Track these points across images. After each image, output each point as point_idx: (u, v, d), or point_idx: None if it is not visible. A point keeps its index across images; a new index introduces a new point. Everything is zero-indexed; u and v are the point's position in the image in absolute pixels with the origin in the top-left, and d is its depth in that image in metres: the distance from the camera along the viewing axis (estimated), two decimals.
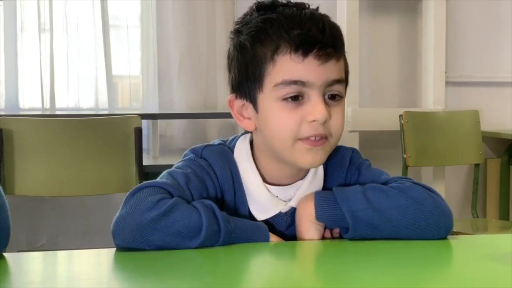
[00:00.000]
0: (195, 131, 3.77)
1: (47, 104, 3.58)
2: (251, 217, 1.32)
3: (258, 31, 1.27)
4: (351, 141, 3.60)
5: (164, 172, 1.31)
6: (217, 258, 1.17)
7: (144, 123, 3.12)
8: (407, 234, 1.26)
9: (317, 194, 1.29)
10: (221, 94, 3.77)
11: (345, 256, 1.22)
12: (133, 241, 1.17)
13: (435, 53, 3.89)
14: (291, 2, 1.31)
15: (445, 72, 3.97)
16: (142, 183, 1.23)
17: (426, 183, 3.87)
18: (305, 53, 1.24)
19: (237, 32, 1.32)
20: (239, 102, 1.33)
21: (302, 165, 1.29)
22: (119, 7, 3.76)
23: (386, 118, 3.67)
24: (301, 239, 1.29)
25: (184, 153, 1.38)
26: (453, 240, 1.29)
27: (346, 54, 1.33)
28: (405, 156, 3.32)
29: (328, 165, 1.37)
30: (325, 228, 1.29)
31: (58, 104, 3.62)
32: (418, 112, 3.57)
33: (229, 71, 1.34)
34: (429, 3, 3.91)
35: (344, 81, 1.30)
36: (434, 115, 3.59)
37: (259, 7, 1.30)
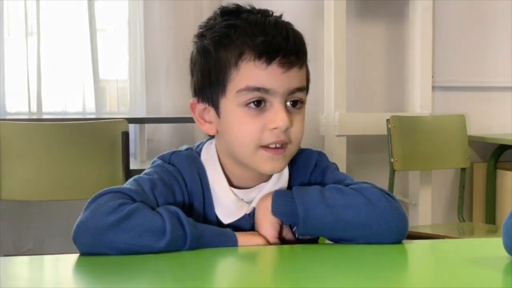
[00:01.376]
0: (183, 135, 3.77)
1: (34, 108, 3.57)
2: (218, 221, 1.32)
3: (222, 36, 1.28)
4: (338, 146, 3.61)
5: (131, 179, 1.31)
6: (184, 261, 1.16)
7: (132, 127, 3.12)
8: (358, 235, 1.26)
9: (276, 191, 1.31)
10: None
11: (309, 261, 1.21)
12: (93, 246, 1.17)
13: (422, 58, 3.91)
14: (255, 9, 1.32)
15: (432, 77, 3.99)
16: (104, 189, 1.23)
17: (413, 187, 3.94)
18: (269, 61, 1.25)
19: (200, 36, 1.34)
20: (201, 106, 1.34)
21: (263, 171, 1.30)
22: (107, 11, 3.76)
23: (373, 123, 3.68)
24: (259, 234, 1.29)
25: (153, 160, 1.38)
26: (433, 245, 1.29)
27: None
28: (392, 160, 3.33)
29: (293, 167, 1.38)
30: (281, 226, 1.30)
31: (45, 108, 3.60)
32: (405, 116, 3.58)
33: (192, 74, 1.35)
34: (416, 8, 3.93)
35: (305, 89, 1.31)
36: (421, 120, 3.60)
37: (223, 12, 1.32)
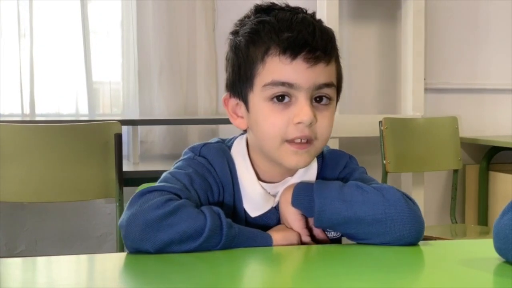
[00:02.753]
0: (176, 137, 3.77)
1: (27, 110, 3.56)
2: (245, 214, 1.34)
3: (251, 32, 1.31)
4: (331, 147, 3.61)
5: (166, 174, 1.32)
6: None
7: (125, 129, 3.12)
8: (372, 232, 1.27)
9: (298, 183, 1.33)
10: (202, 100, 3.78)
11: (318, 261, 1.23)
12: (140, 240, 1.17)
13: (414, 60, 3.92)
14: (288, 6, 1.35)
15: (424, 79, 4.00)
16: (149, 186, 1.24)
17: (406, 188, 3.95)
18: (294, 56, 1.27)
19: (234, 33, 1.36)
20: (233, 101, 1.37)
21: (287, 165, 1.32)
22: (100, 12, 3.75)
23: (366, 125, 3.69)
24: (284, 225, 1.32)
25: (183, 151, 1.40)
26: (425, 246, 1.30)
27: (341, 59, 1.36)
28: (384, 162, 3.34)
29: (323, 166, 1.41)
30: (307, 218, 1.31)
31: (38, 110, 3.60)
32: (398, 118, 3.59)
33: (226, 70, 1.38)
34: (408, 10, 3.94)
35: (334, 85, 1.33)
36: (413, 122, 3.61)
37: (257, 10, 1.35)
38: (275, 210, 1.35)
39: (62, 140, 2.45)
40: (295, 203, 1.30)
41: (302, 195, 1.30)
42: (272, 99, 1.28)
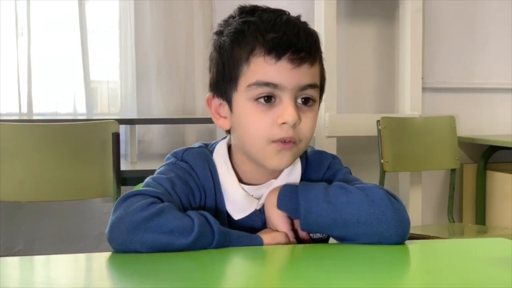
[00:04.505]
0: (173, 136, 3.77)
1: (25, 109, 3.56)
2: (228, 217, 1.35)
3: (236, 32, 1.31)
4: (328, 147, 3.61)
5: (148, 179, 1.33)
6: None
7: (122, 128, 3.11)
8: (358, 233, 1.27)
9: (283, 186, 1.33)
10: (200, 99, 3.78)
11: (307, 260, 1.23)
12: (128, 242, 1.18)
13: (411, 59, 3.92)
14: (271, 8, 1.35)
15: (422, 78, 4.00)
16: (130, 191, 1.25)
17: (403, 188, 3.95)
18: (278, 56, 1.27)
19: (219, 33, 1.36)
20: (216, 101, 1.37)
21: (270, 167, 1.32)
22: (97, 12, 3.75)
23: (364, 124, 3.69)
24: (270, 228, 1.32)
25: (166, 157, 1.41)
26: (411, 245, 1.30)
27: (324, 61, 1.35)
28: (382, 161, 3.34)
29: (307, 168, 1.41)
30: (293, 220, 1.32)
31: (36, 109, 3.59)
32: (395, 117, 3.59)
33: (209, 71, 1.38)
34: (406, 10, 3.94)
35: (317, 86, 1.33)
36: (411, 121, 3.62)
37: (241, 10, 1.35)
38: (260, 212, 1.35)
39: (60, 139, 2.45)
40: (280, 205, 1.30)
41: (287, 197, 1.30)
42: (256, 99, 1.29)
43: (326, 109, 3.65)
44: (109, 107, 3.81)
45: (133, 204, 1.20)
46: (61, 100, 3.67)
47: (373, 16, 4.10)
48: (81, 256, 1.26)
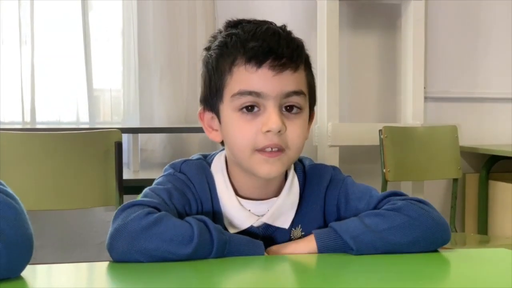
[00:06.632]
0: (176, 145, 3.78)
1: (28, 118, 3.57)
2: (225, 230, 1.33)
3: (220, 45, 1.33)
4: (331, 156, 3.61)
5: (146, 190, 1.33)
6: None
7: (125, 137, 3.12)
8: (409, 249, 1.28)
9: (315, 232, 1.31)
10: None
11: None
12: (128, 252, 1.18)
13: (414, 69, 3.92)
14: (256, 20, 1.35)
15: (424, 88, 4.01)
16: (128, 202, 1.25)
17: None
18: (259, 64, 1.28)
19: (207, 48, 1.38)
20: (208, 115, 1.38)
21: (260, 175, 1.31)
22: (101, 20, 3.77)
23: (366, 133, 3.69)
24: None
25: (164, 168, 1.41)
26: (413, 255, 1.30)
27: (314, 70, 1.37)
28: (384, 170, 3.34)
29: (306, 183, 1.41)
30: None
31: (39, 118, 3.60)
32: (398, 127, 3.60)
33: (201, 86, 1.40)
34: (408, 19, 3.95)
35: (303, 93, 1.32)
36: (413, 130, 3.62)
37: (227, 25, 1.37)
38: (256, 229, 1.35)
39: (63, 148, 2.45)
40: (322, 249, 1.28)
41: (327, 239, 1.28)
42: (241, 109, 1.29)
43: (329, 118, 3.65)
44: (112, 115, 3.82)
45: (131, 214, 1.20)
46: (64, 108, 3.68)
47: (376, 26, 4.11)
48: (83, 265, 1.26)
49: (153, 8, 3.71)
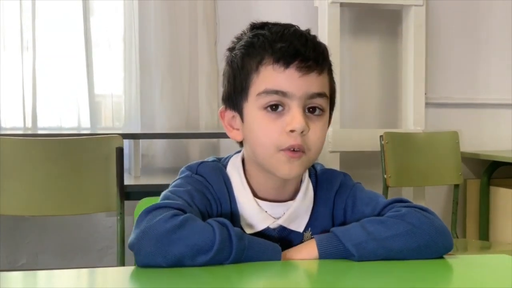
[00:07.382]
0: (177, 151, 3.78)
1: (29, 123, 3.57)
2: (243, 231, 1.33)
3: (247, 45, 1.35)
4: (332, 162, 3.62)
5: (166, 192, 1.33)
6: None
7: (126, 143, 3.12)
8: (411, 257, 1.28)
9: (316, 237, 1.31)
10: (203, 114, 3.78)
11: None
12: (153, 254, 1.17)
13: (415, 75, 3.93)
14: (281, 23, 1.38)
15: (425, 94, 4.01)
16: (152, 204, 1.24)
17: None
18: (286, 64, 1.30)
19: (231, 49, 1.39)
20: (229, 114, 1.39)
21: (280, 175, 1.32)
22: (102, 26, 3.77)
23: (367, 139, 3.69)
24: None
25: (180, 170, 1.41)
26: (414, 262, 1.30)
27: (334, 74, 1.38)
28: (385, 176, 3.34)
29: (318, 187, 1.42)
30: None
31: (40, 123, 3.61)
32: (399, 133, 3.60)
33: (223, 85, 1.40)
34: (409, 25, 3.95)
35: (326, 96, 1.35)
36: (414, 136, 3.62)
37: (252, 26, 1.39)
38: (273, 230, 1.36)
39: (64, 153, 2.46)
40: (323, 255, 1.28)
41: (328, 245, 1.29)
42: (266, 108, 1.31)
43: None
44: (113, 121, 3.82)
45: (157, 217, 1.20)
46: (65, 114, 3.68)
47: (376, 32, 4.11)
48: (84, 271, 1.26)
49: (154, 14, 3.72)
